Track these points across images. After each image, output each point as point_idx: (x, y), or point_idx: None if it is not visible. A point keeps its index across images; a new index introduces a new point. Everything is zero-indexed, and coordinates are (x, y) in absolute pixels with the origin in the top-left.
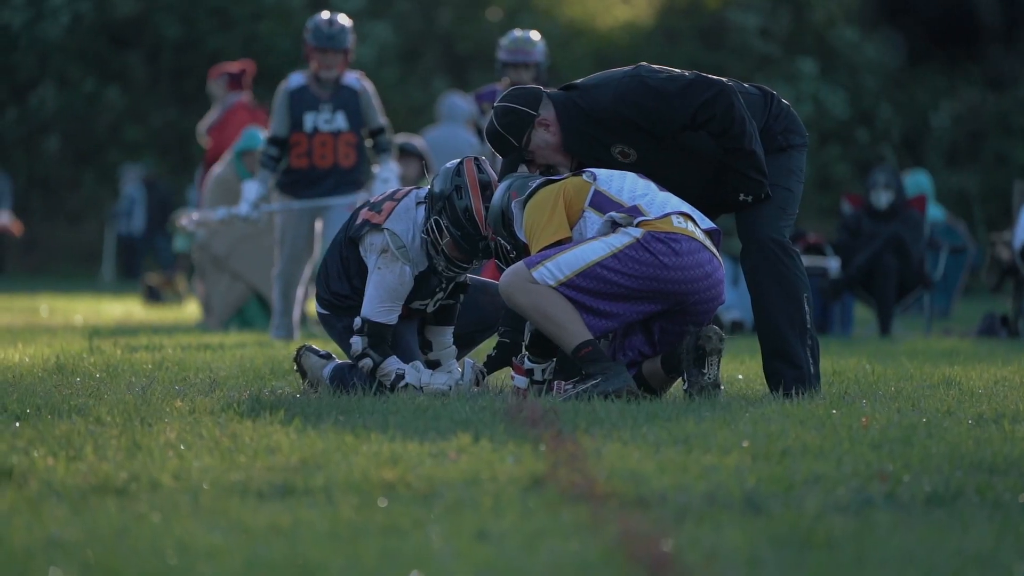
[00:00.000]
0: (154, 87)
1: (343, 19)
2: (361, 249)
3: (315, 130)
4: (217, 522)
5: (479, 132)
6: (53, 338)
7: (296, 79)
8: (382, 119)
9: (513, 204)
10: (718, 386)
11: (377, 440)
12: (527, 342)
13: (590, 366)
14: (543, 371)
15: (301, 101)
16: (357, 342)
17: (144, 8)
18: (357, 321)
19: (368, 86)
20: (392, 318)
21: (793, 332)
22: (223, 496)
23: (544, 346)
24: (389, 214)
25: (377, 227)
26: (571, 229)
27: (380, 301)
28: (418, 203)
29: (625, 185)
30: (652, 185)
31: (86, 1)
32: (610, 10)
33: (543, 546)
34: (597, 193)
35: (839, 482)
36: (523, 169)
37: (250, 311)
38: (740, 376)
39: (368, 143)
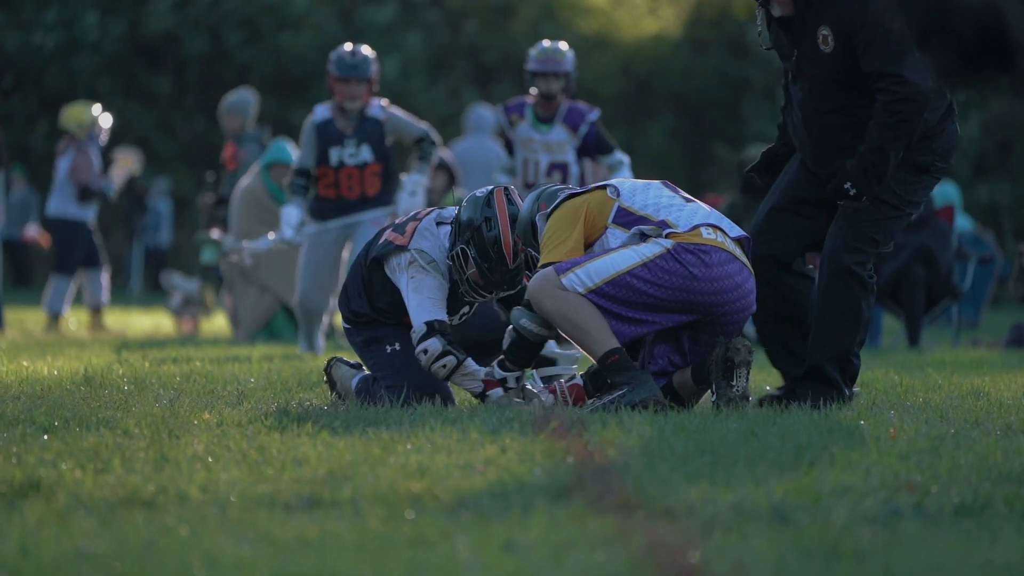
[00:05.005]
0: (181, 100)
1: (366, 50)
2: (387, 270)
3: (341, 164)
4: (245, 534)
5: (506, 144)
6: (81, 351)
7: (321, 112)
8: (421, 125)
9: (538, 217)
10: (747, 398)
11: (404, 452)
12: (505, 348)
13: (617, 375)
14: (516, 379)
15: (327, 136)
16: (435, 344)
17: (174, 25)
18: (420, 328)
19: (392, 111)
20: (443, 315)
21: (833, 363)
22: (251, 508)
23: (522, 357)
24: (412, 234)
25: (402, 248)
26: (594, 244)
27: (432, 303)
28: (438, 223)
29: (649, 197)
30: (678, 197)
31: (118, 23)
32: (638, 22)
33: (570, 557)
34: (620, 209)
35: (867, 493)
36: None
37: (278, 323)
38: (768, 388)
39: (414, 152)
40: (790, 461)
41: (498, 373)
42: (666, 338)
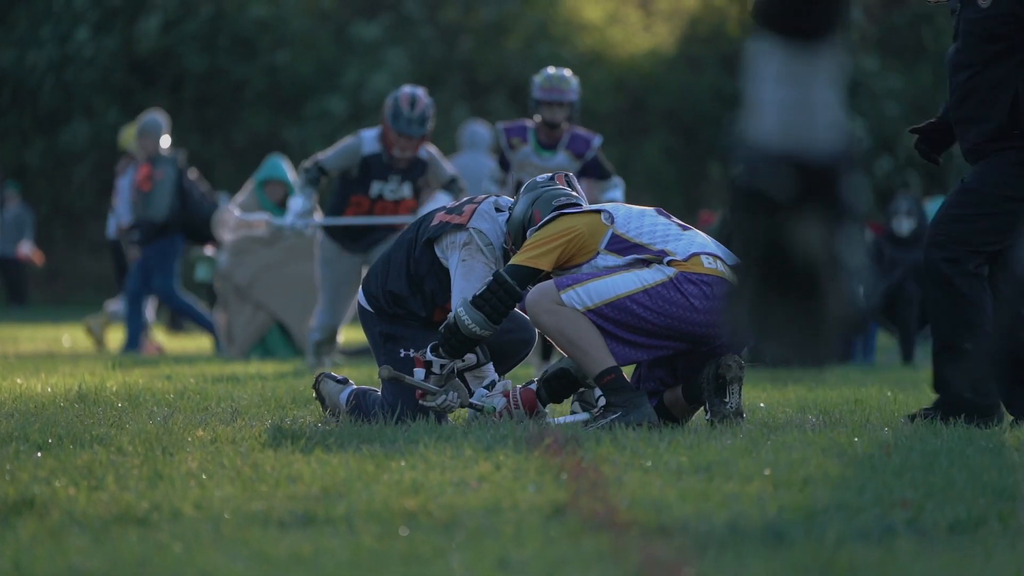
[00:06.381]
0: (177, 117)
1: (424, 100)
2: (438, 249)
3: (380, 197)
4: (239, 551)
5: (502, 161)
6: (75, 368)
7: (371, 143)
8: (451, 170)
9: (529, 231)
10: (741, 414)
11: (398, 469)
12: (440, 330)
13: (612, 395)
14: (441, 367)
15: (373, 170)
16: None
17: (169, 41)
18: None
19: (434, 153)
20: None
21: (948, 364)
22: (245, 525)
23: (452, 346)
24: (472, 215)
25: (460, 227)
26: (581, 267)
27: (473, 289)
28: (497, 209)
29: (645, 225)
30: (673, 224)
31: (111, 38)
32: (632, 39)
33: (564, 575)
34: (614, 236)
35: (861, 510)
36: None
37: (272, 340)
38: (762, 404)
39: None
40: (784, 478)
41: (428, 354)
42: (660, 363)
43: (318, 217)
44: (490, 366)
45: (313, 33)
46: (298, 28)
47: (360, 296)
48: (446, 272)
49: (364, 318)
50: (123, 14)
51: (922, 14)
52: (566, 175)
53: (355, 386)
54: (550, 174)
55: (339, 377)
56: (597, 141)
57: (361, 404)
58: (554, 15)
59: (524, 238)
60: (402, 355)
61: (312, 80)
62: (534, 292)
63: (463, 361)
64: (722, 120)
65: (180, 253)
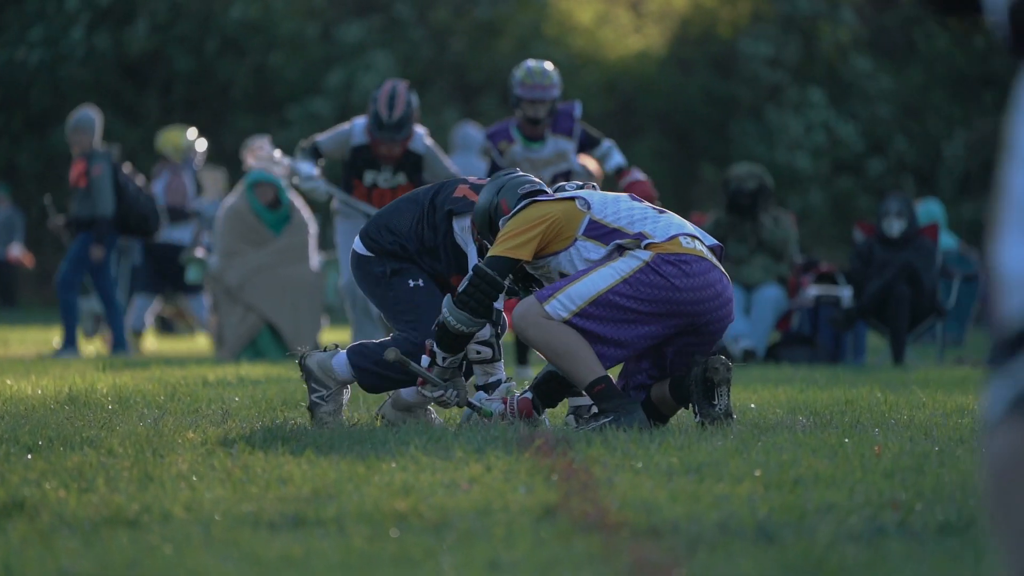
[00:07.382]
0: (168, 119)
1: (403, 98)
2: (456, 224)
3: (374, 185)
4: (229, 553)
5: (490, 164)
6: (65, 370)
7: (360, 134)
8: (452, 168)
9: (501, 220)
10: (730, 415)
11: (389, 470)
12: (433, 327)
13: (604, 403)
14: (444, 359)
15: (363, 160)
16: (486, 329)
17: (158, 43)
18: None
19: (433, 148)
20: (501, 303)
21: None
22: (235, 527)
23: (445, 342)
24: None
25: None
26: (559, 255)
27: None
28: None
29: (621, 209)
30: (649, 209)
31: (103, 38)
32: (622, 40)
33: None
34: (592, 222)
35: (851, 511)
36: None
37: (262, 342)
38: (752, 405)
39: None
40: (775, 479)
41: (434, 346)
42: (646, 354)
43: (321, 187)
44: (500, 364)
45: (301, 35)
46: (286, 30)
47: (357, 244)
48: (457, 249)
49: (363, 265)
50: (113, 15)
51: (913, 16)
52: (592, 186)
53: (344, 350)
54: (581, 182)
55: (325, 348)
56: (578, 111)
57: (367, 355)
58: (546, 17)
59: (490, 228)
60: (411, 285)
61: (299, 82)
62: (520, 307)
63: (478, 353)
64: (712, 122)
65: (110, 250)
